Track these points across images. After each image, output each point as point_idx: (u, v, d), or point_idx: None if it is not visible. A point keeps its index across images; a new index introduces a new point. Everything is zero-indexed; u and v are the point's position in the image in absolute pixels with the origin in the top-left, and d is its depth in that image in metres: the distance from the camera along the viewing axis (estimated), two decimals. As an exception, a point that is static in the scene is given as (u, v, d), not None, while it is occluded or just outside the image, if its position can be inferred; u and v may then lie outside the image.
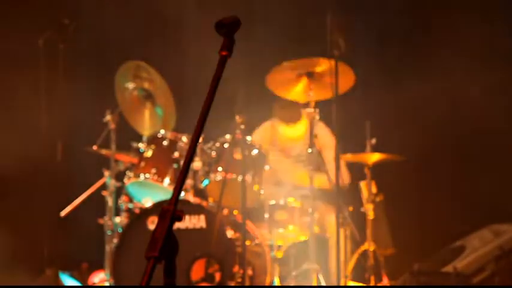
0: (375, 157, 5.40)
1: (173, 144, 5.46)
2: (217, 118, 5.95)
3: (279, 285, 5.33)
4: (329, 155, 5.43)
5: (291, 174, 5.80)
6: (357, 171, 5.60)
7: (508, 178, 6.22)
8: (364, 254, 5.37)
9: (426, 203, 6.41)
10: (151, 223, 5.23)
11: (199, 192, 5.42)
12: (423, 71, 6.52)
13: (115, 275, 5.26)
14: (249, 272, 5.18)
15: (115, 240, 5.44)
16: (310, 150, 5.20)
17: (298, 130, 5.89)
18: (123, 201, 5.60)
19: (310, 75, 5.24)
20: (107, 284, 5.42)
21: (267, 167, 5.41)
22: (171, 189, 5.39)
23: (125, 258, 5.24)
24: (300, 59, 5.25)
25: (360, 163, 5.50)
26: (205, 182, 5.35)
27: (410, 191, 6.38)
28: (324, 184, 5.48)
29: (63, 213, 5.68)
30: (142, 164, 5.44)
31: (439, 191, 6.36)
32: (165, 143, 5.47)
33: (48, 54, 5.62)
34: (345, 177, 5.66)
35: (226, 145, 5.35)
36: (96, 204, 5.73)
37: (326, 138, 5.65)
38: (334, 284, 5.12)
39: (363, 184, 5.48)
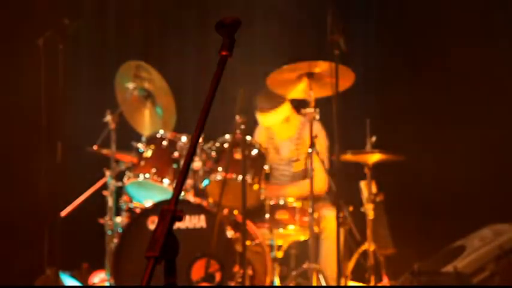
0: (375, 157, 5.39)
1: (173, 144, 5.46)
2: (217, 118, 5.98)
3: (279, 285, 5.33)
4: (322, 157, 5.43)
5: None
6: (357, 171, 5.59)
7: (508, 178, 6.22)
8: (364, 254, 5.37)
9: (426, 202, 6.41)
10: (152, 223, 5.23)
11: (199, 192, 5.42)
12: (423, 68, 6.52)
13: (115, 275, 5.26)
14: (249, 272, 5.17)
15: (115, 240, 5.44)
16: (310, 150, 5.20)
17: (271, 118, 5.73)
18: (123, 201, 5.60)
19: (311, 75, 5.24)
20: (107, 284, 5.42)
21: (266, 167, 5.41)
22: (170, 189, 5.39)
23: (125, 258, 5.24)
24: (300, 62, 5.24)
25: (360, 163, 5.50)
26: (205, 182, 5.35)
27: (410, 191, 6.38)
28: (303, 192, 5.47)
29: (63, 213, 5.67)
30: (142, 164, 5.44)
31: (439, 191, 6.36)
32: (164, 143, 5.47)
33: (48, 54, 5.61)
34: (323, 186, 5.61)
35: (226, 145, 5.35)
36: (97, 204, 5.72)
37: (321, 140, 5.59)
38: (334, 283, 5.12)
39: (363, 184, 5.47)
